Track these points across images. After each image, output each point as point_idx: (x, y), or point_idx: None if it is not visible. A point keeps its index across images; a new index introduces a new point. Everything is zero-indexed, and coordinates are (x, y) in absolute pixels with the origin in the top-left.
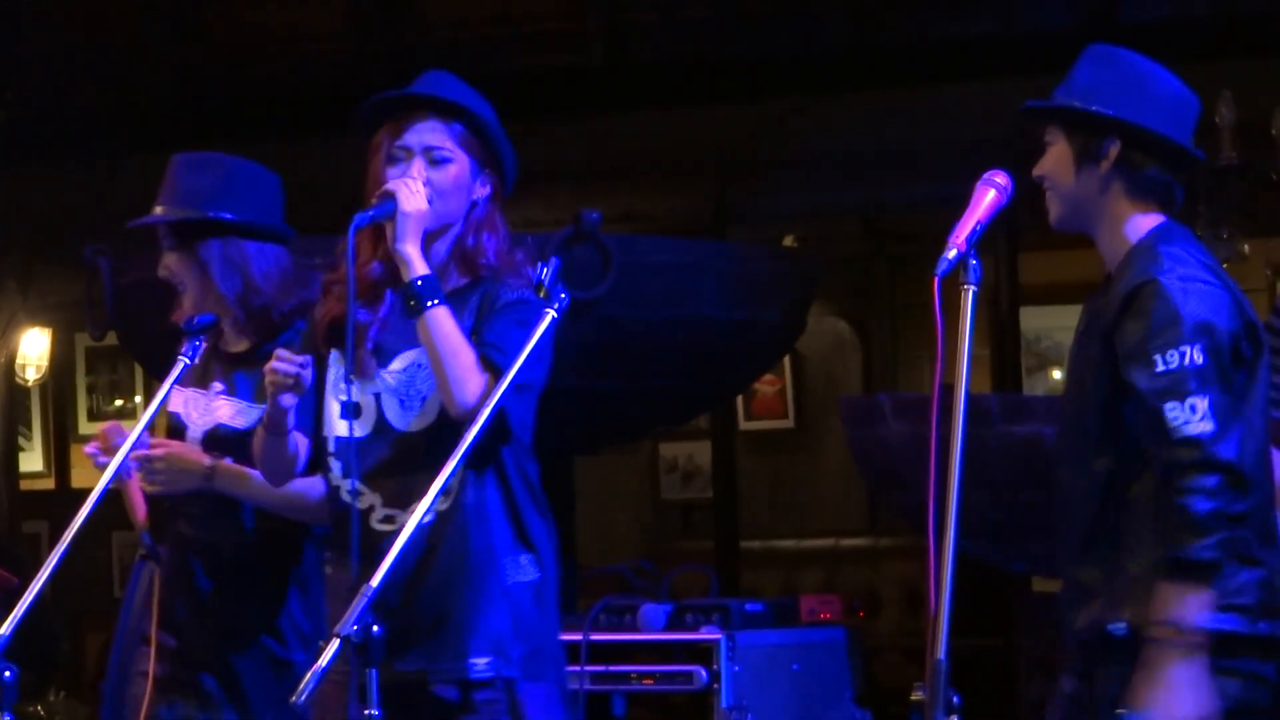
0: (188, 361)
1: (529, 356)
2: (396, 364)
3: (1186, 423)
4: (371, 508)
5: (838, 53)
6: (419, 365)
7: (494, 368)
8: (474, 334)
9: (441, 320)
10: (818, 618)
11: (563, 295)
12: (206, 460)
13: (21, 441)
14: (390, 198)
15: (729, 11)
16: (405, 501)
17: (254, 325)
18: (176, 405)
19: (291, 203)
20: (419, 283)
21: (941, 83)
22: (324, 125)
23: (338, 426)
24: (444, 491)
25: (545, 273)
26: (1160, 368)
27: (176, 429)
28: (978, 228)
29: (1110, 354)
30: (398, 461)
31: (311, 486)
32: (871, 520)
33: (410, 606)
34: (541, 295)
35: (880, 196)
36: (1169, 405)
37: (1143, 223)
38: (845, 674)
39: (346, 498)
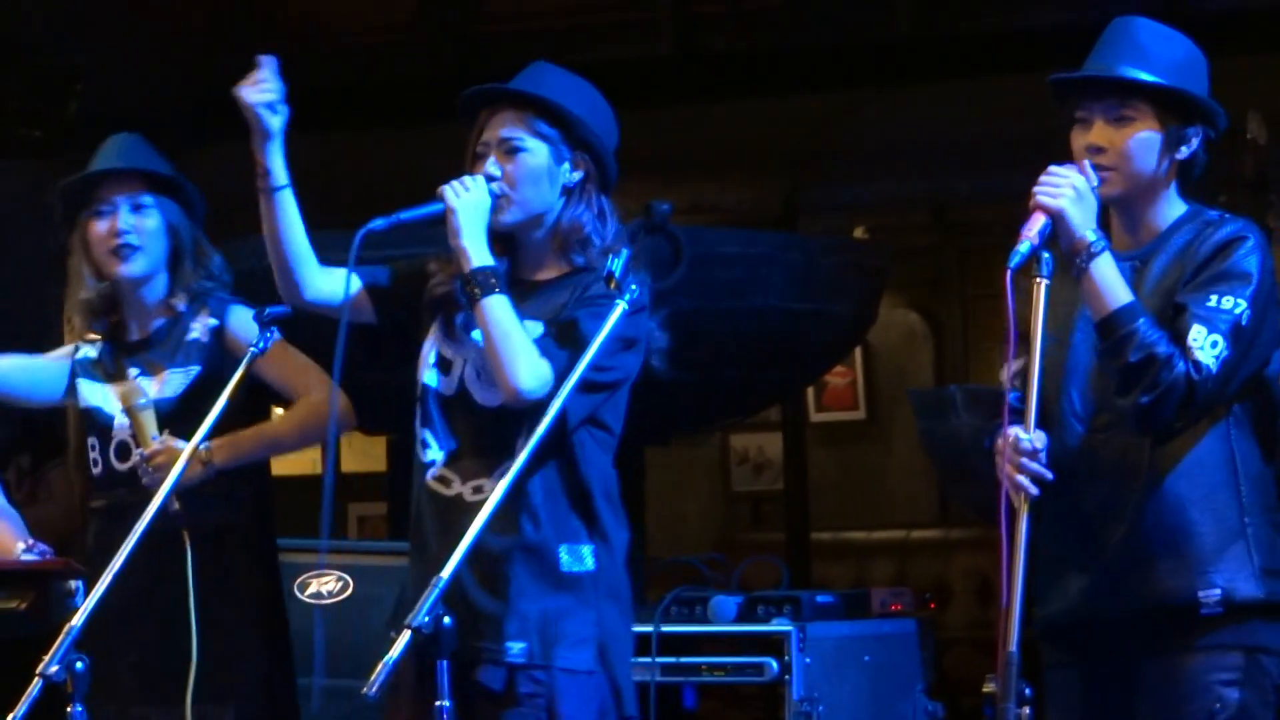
0: (257, 350)
1: (603, 351)
2: (479, 335)
3: (1201, 349)
4: (444, 478)
5: (907, 43)
6: None
7: (554, 358)
8: (560, 319)
9: (495, 309)
10: (888, 609)
11: (633, 287)
12: (198, 446)
13: None
14: (438, 198)
15: (797, 3)
16: (473, 473)
17: (152, 313)
18: (96, 399)
19: (361, 193)
20: (476, 273)
21: (1011, 73)
22: (395, 115)
23: (431, 375)
24: (501, 474)
25: (615, 264)
26: (1213, 302)
27: (102, 425)
28: (1049, 221)
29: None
30: (471, 432)
31: (317, 412)
32: (942, 512)
33: (458, 582)
34: (612, 287)
35: (950, 187)
36: (1196, 327)
37: (1175, 193)
38: (916, 666)
39: (418, 449)
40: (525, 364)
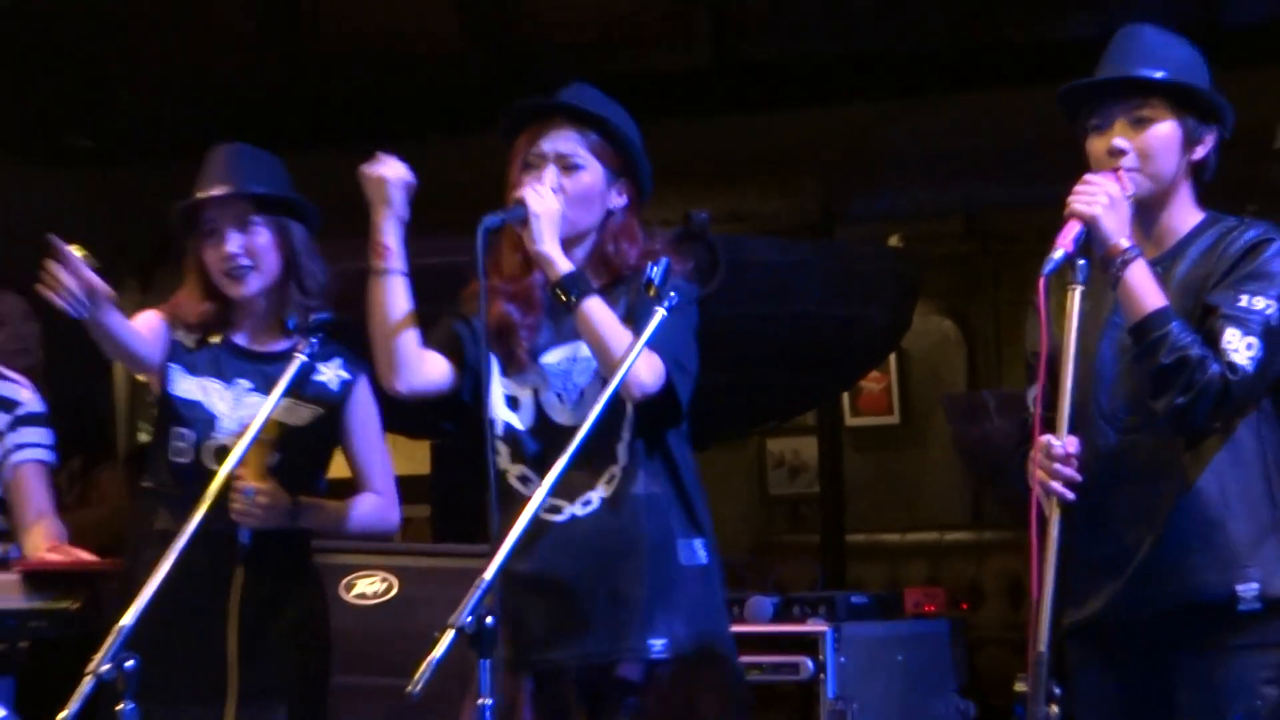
0: (305, 359)
1: (686, 348)
2: (551, 359)
3: (1235, 350)
4: (553, 507)
5: (942, 53)
6: (574, 359)
7: (659, 352)
8: (628, 323)
9: (598, 310)
10: (922, 610)
11: (672, 294)
12: (289, 499)
13: (142, 437)
14: (520, 203)
15: (834, 14)
16: (569, 493)
17: (266, 326)
18: (194, 394)
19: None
20: (567, 279)
21: (1042, 84)
22: (436, 125)
23: (505, 413)
24: (608, 480)
25: (655, 272)
26: (1244, 302)
27: (203, 419)
28: (1083, 229)
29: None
30: (559, 453)
31: (383, 520)
32: (975, 514)
33: (586, 593)
34: (651, 294)
35: (983, 196)
36: (1230, 330)
37: (1190, 197)
38: (948, 665)
39: (516, 484)
40: (641, 360)
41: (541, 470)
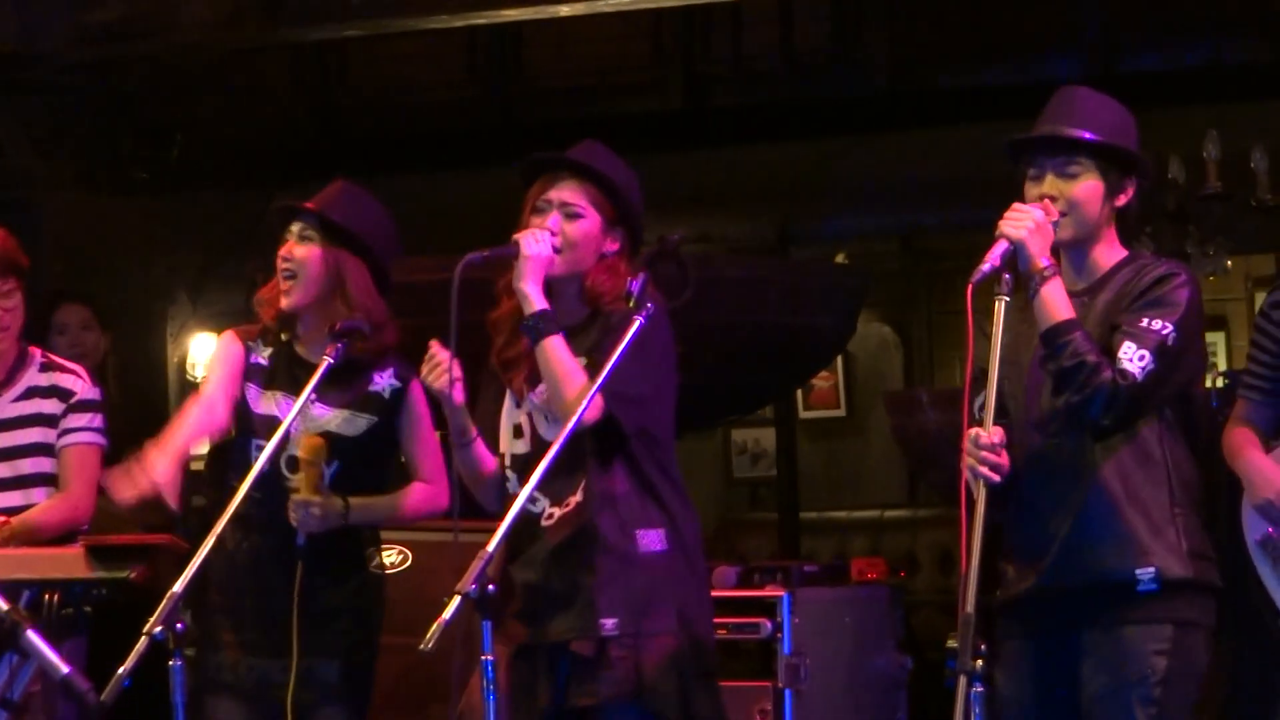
0: (332, 360)
1: (639, 370)
2: (543, 386)
3: (1129, 360)
4: (543, 510)
5: (883, 99)
6: None
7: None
8: (597, 350)
9: (556, 349)
10: (865, 577)
11: (649, 305)
12: (342, 505)
13: None
14: (515, 244)
15: (789, 65)
16: (556, 497)
17: (323, 341)
18: (270, 409)
19: (420, 230)
20: (536, 316)
21: (968, 124)
22: (446, 162)
23: (514, 445)
24: (583, 485)
25: (634, 286)
26: (1144, 323)
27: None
28: (1010, 248)
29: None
30: (554, 467)
31: (432, 505)
32: (911, 494)
33: (556, 581)
34: (632, 306)
35: (918, 220)
36: (1126, 343)
37: (1114, 237)
38: (889, 626)
39: (528, 505)
40: (581, 394)
41: (544, 488)
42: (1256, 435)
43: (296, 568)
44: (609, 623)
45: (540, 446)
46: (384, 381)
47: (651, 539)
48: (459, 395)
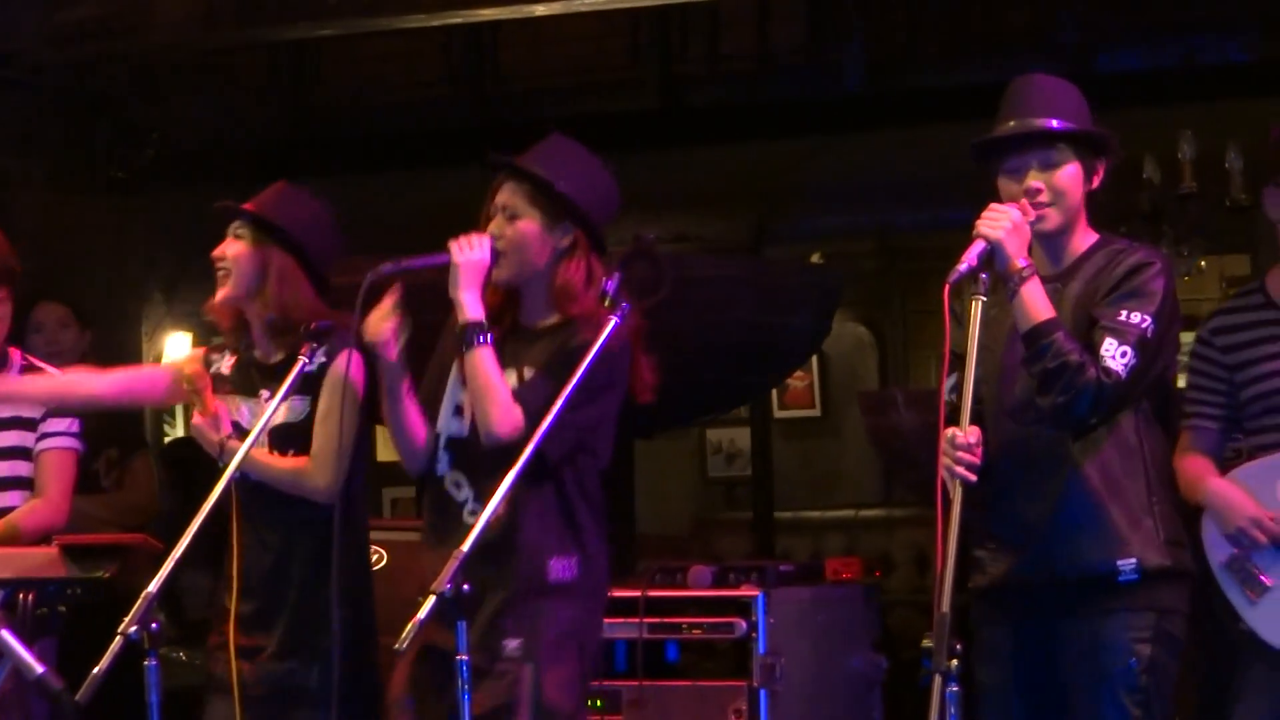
0: (307, 362)
1: (582, 393)
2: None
3: (1112, 358)
4: (465, 501)
5: (857, 99)
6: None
7: (523, 405)
8: (555, 362)
9: (480, 361)
10: (840, 577)
11: (623, 305)
12: (219, 435)
13: (165, 428)
14: (444, 251)
15: (764, 65)
16: (487, 499)
17: (285, 339)
18: (240, 416)
19: (393, 228)
20: (468, 325)
21: (944, 124)
22: (421, 160)
23: (450, 424)
24: (510, 498)
25: (609, 286)
26: (1122, 317)
27: (242, 436)
28: (987, 248)
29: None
30: (487, 461)
31: (295, 482)
32: (886, 494)
33: (471, 590)
34: (606, 304)
35: (892, 220)
36: (1107, 339)
37: (1085, 222)
38: (864, 625)
39: (450, 489)
40: (499, 412)
41: (470, 476)
42: (1212, 463)
43: (293, 562)
44: (512, 644)
45: (476, 434)
46: (315, 360)
47: (565, 566)
48: (392, 352)
